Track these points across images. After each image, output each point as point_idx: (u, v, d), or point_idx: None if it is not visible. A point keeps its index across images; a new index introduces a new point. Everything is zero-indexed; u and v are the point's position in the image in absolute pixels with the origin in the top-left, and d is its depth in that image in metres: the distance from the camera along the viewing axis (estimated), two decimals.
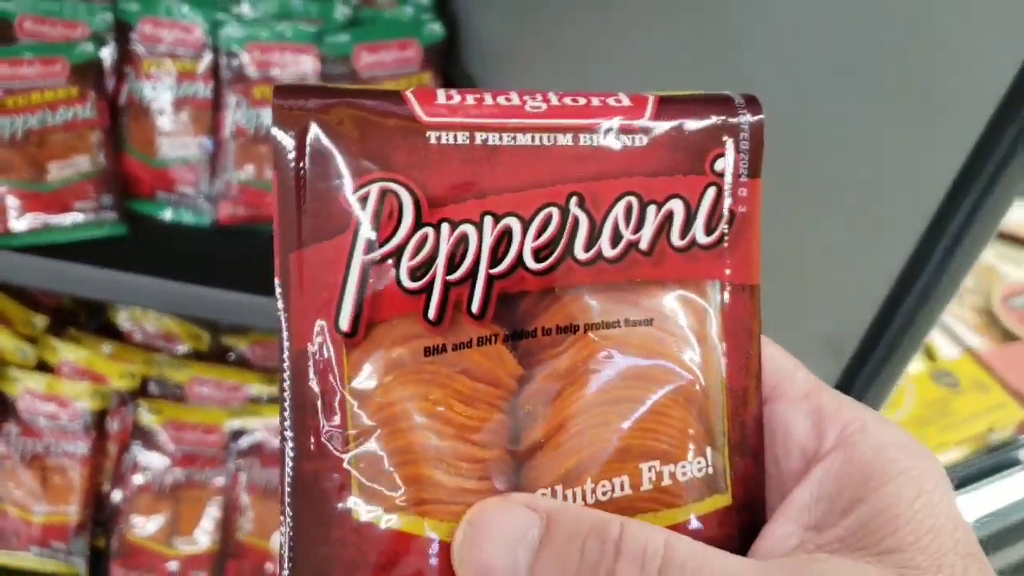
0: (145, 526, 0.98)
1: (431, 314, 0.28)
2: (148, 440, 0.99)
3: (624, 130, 0.30)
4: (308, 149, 0.28)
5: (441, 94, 0.29)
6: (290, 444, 0.28)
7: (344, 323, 0.28)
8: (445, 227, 0.28)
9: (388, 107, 0.29)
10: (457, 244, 0.28)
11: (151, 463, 0.99)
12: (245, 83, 0.85)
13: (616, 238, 0.30)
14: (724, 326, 0.31)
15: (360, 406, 0.28)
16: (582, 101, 0.30)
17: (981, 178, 0.43)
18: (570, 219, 0.29)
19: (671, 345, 0.30)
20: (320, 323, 0.28)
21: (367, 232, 0.28)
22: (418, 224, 0.28)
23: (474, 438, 0.29)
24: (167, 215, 0.88)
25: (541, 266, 0.29)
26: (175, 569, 0.98)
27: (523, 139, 0.29)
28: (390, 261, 0.28)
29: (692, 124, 0.30)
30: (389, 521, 0.28)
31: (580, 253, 0.29)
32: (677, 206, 0.30)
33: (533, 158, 0.29)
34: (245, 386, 1.03)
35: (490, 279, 0.29)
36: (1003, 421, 1.44)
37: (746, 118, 0.31)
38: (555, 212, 0.29)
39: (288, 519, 0.28)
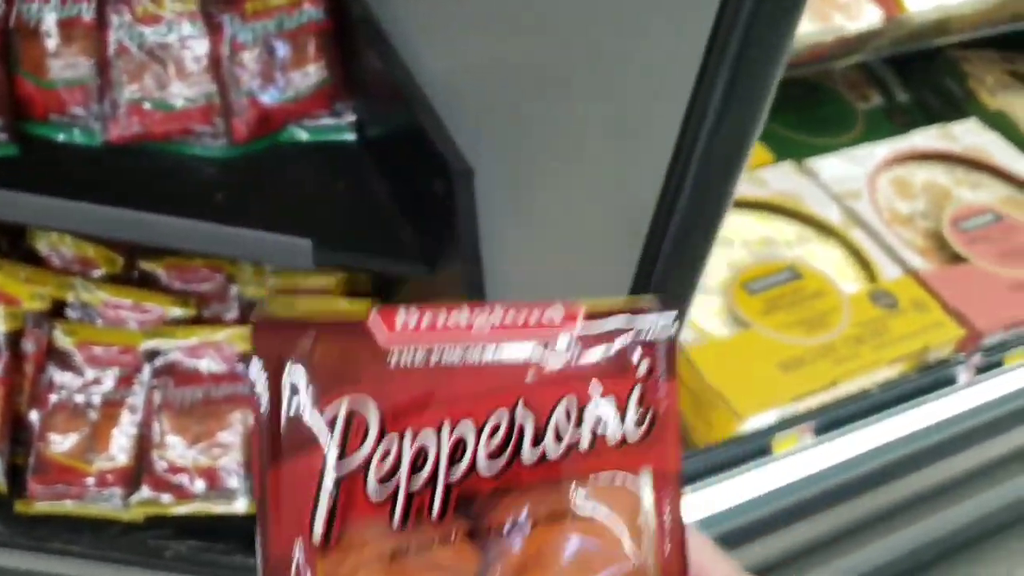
0: (62, 443, 1.01)
1: (396, 520, 0.33)
2: (63, 360, 1.02)
3: (559, 343, 0.34)
4: (282, 374, 0.32)
5: (400, 318, 0.33)
6: None
7: (317, 532, 0.32)
8: (407, 436, 0.33)
9: (353, 333, 0.33)
10: (418, 454, 0.33)
11: (67, 383, 1.02)
12: (127, 1, 0.86)
13: (558, 439, 0.34)
14: (655, 508, 0.35)
15: None
16: (522, 318, 0.34)
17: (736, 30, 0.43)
18: (517, 425, 0.34)
19: (611, 532, 0.35)
20: (296, 533, 0.32)
21: (337, 447, 0.32)
22: (382, 434, 0.33)
23: None
24: (60, 137, 0.90)
25: (493, 470, 0.34)
26: (92, 484, 1.01)
27: (472, 354, 0.33)
28: (358, 473, 0.32)
29: (616, 335, 0.35)
30: None
31: (527, 456, 0.34)
32: (609, 407, 0.35)
33: (481, 371, 0.34)
34: (159, 308, 1.06)
35: (448, 486, 0.33)
36: (940, 340, 1.44)
37: (663, 329, 0.35)
38: (504, 419, 0.34)
39: None
